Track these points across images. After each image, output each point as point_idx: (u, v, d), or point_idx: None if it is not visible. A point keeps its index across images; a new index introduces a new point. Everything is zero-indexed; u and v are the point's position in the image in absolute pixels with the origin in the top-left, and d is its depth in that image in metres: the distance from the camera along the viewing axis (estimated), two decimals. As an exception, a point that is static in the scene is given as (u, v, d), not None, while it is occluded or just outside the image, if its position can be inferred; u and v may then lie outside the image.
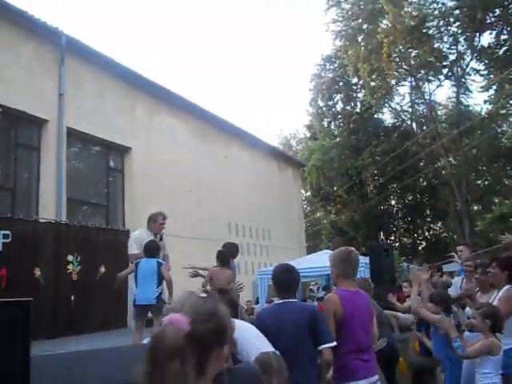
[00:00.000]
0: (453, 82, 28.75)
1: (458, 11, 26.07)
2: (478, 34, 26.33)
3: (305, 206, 34.00)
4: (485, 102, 27.70)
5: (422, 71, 28.43)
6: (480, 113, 28.76)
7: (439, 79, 28.88)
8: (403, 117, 32.34)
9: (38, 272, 8.51)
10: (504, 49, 25.76)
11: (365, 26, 28.93)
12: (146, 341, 4.88)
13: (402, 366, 5.33)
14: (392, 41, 25.96)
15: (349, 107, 32.91)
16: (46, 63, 10.30)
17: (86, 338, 8.17)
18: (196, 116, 14.83)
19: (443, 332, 4.41)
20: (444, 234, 34.36)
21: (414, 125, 31.41)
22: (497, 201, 29.08)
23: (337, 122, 33.59)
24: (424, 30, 26.66)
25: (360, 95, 32.56)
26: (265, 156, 19.11)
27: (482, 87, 27.07)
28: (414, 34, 26.13)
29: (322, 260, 11.33)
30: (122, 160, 12.39)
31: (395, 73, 28.73)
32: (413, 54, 28.20)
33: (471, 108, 29.48)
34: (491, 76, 26.56)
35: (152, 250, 5.56)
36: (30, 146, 10.28)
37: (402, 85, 30.95)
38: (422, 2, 27.16)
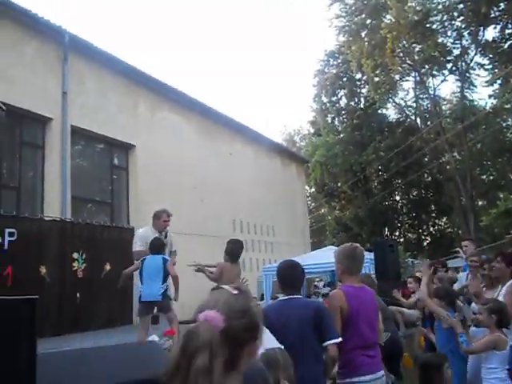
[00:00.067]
0: (457, 77, 28.63)
1: (461, 5, 25.89)
2: (482, 28, 26.16)
3: (309, 203, 33.99)
4: (489, 96, 27.61)
5: (426, 66, 28.30)
6: (485, 107, 28.64)
7: (443, 74, 28.76)
8: (407, 112, 32.24)
9: (43, 270, 8.54)
10: (509, 43, 25.56)
11: (368, 22, 28.81)
12: (150, 338, 4.90)
13: (407, 362, 5.33)
14: (396, 36, 25.83)
15: (352, 103, 32.82)
16: (50, 61, 10.32)
17: (91, 335, 8.20)
18: (199, 113, 14.82)
19: (447, 326, 4.41)
20: (449, 230, 34.29)
21: (419, 120, 31.29)
22: (502, 196, 29.01)
23: (341, 118, 33.50)
24: (428, 25, 26.52)
25: (364, 91, 32.48)
26: (269, 152, 19.10)
27: (486, 82, 26.97)
28: (418, 29, 25.99)
29: (326, 256, 11.33)
30: (126, 157, 12.41)
31: (399, 68, 28.62)
32: (417, 49, 28.06)
33: (476, 103, 29.35)
34: (496, 70, 26.41)
35: (157, 246, 5.58)
36: (35, 145, 10.31)
37: (406, 80, 30.83)
38: (425, -3, 27.04)
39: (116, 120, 11.72)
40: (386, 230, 32.90)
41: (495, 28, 26.04)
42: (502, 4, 25.12)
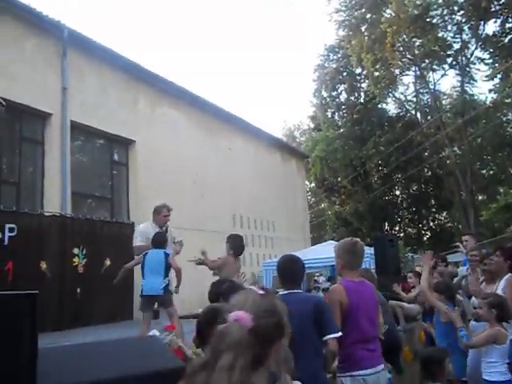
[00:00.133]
0: (457, 71, 28.58)
1: (462, -1, 25.86)
2: (482, 22, 26.10)
3: (309, 197, 33.99)
4: (490, 91, 27.56)
5: (426, 60, 28.25)
6: (485, 102, 28.60)
7: (443, 68, 28.73)
8: (407, 107, 32.20)
9: (43, 265, 8.56)
10: (509, 37, 25.53)
11: (368, 16, 28.74)
12: (151, 332, 4.90)
13: (407, 356, 5.34)
14: (396, 30, 25.77)
15: (353, 97, 32.78)
16: (49, 57, 10.28)
17: (91, 330, 8.22)
18: (199, 108, 14.79)
19: (446, 320, 4.42)
20: (449, 224, 34.32)
21: (419, 115, 31.27)
22: (502, 190, 29.04)
23: (340, 113, 33.46)
24: (428, 19, 26.46)
25: (364, 85, 32.42)
26: (268, 147, 19.06)
27: (486, 76, 26.91)
28: (418, 23, 25.92)
29: (326, 251, 11.36)
30: (126, 153, 12.39)
31: (399, 62, 28.55)
32: (417, 44, 28.00)
33: (476, 97, 29.32)
34: (496, 65, 26.37)
35: (159, 241, 5.60)
36: (35, 140, 10.29)
37: (406, 74, 30.80)
38: (425, -9, 26.95)
39: (116, 115, 11.70)
40: (386, 224, 32.92)
41: (495, 22, 26.03)
42: (502, -2, 25.06)
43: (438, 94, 30.01)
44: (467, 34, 27.11)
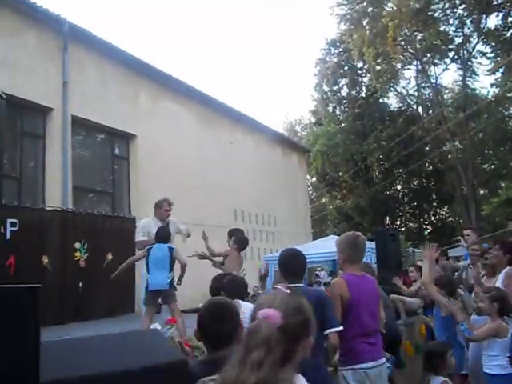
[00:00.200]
0: (459, 66, 28.47)
1: (464, -7, 25.72)
2: (484, 16, 25.96)
3: (310, 192, 33.96)
4: (491, 85, 27.46)
5: (428, 54, 28.14)
6: (486, 96, 28.52)
7: (445, 62, 28.61)
8: (409, 101, 32.11)
9: (45, 260, 8.58)
10: (511, 31, 25.41)
11: (370, 10, 28.60)
12: (153, 326, 4.92)
13: (408, 350, 5.35)
14: (397, 24, 25.66)
15: (354, 92, 32.69)
16: (50, 51, 10.26)
17: (92, 325, 8.24)
18: (200, 102, 14.77)
19: (446, 314, 4.43)
20: (450, 219, 34.31)
21: (420, 109, 31.19)
22: (503, 185, 29.02)
23: (342, 107, 33.38)
24: (429, 13, 26.33)
25: (365, 80, 32.35)
26: (270, 142, 19.05)
27: (488, 70, 26.79)
28: (420, 17, 25.81)
29: (327, 246, 11.35)
30: (127, 147, 12.39)
31: (401, 56, 28.45)
32: (418, 38, 27.89)
33: (478, 91, 29.24)
34: (498, 59, 26.25)
35: (163, 236, 5.61)
36: (36, 135, 10.29)
37: (408, 69, 30.70)
38: (427, -16, 26.79)
39: (117, 110, 11.68)
40: (388, 219, 32.91)
41: (498, 16, 25.88)
42: (504, -9, 24.93)
43: (439, 88, 29.92)
44: (469, 28, 27.00)
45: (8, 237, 7.76)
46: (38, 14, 9.96)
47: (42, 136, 10.24)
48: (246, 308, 2.78)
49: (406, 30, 27.18)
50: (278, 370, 1.29)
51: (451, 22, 27.06)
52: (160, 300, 5.66)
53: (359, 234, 3.56)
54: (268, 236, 17.76)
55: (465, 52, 27.63)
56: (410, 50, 28.69)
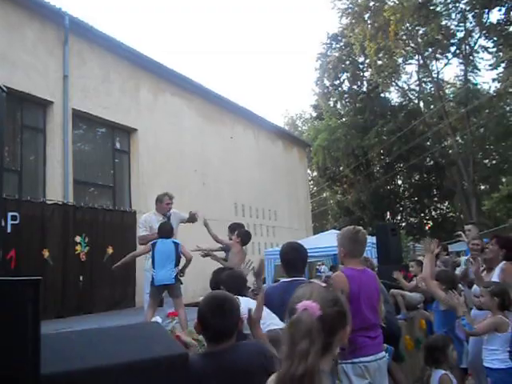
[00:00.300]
0: (461, 60, 28.39)
1: (466, -13, 25.60)
2: (486, 10, 25.84)
3: (311, 187, 33.96)
4: (493, 80, 27.47)
5: (430, 49, 28.06)
6: (488, 91, 28.47)
7: (447, 57, 28.55)
8: (410, 96, 32.04)
9: (46, 253, 8.60)
10: (513, 26, 25.32)
11: (371, 4, 28.48)
12: (154, 319, 4.93)
13: (408, 344, 5.37)
14: (399, 18, 25.58)
15: (355, 86, 32.61)
16: (50, 44, 10.23)
17: (94, 318, 8.27)
18: (201, 96, 14.75)
19: (445, 308, 4.44)
20: (451, 214, 34.30)
21: (421, 104, 31.13)
22: (504, 180, 28.96)
23: (343, 102, 33.30)
24: (431, 7, 26.24)
25: (367, 74, 32.25)
26: (270, 136, 19.03)
27: (490, 65, 26.72)
28: (422, 12, 25.71)
29: (328, 240, 11.35)
30: (127, 141, 12.37)
31: (402, 51, 28.36)
32: (420, 32, 27.79)
33: (479, 86, 29.17)
34: (500, 54, 26.17)
35: (166, 231, 5.61)
36: (36, 128, 10.27)
37: (409, 63, 30.59)
38: (429, -22, 26.67)
39: (118, 104, 11.66)
40: (388, 214, 32.91)
41: (500, 10, 25.82)
42: (507, -14, 24.80)
43: (441, 83, 29.83)
44: (471, 23, 26.88)
45: (9, 230, 7.76)
46: (39, 7, 9.93)
47: (42, 130, 10.22)
48: (242, 303, 2.78)
49: (407, 25, 27.09)
50: (320, 360, 1.32)
51: (453, 16, 26.97)
52: (166, 293, 5.68)
53: (360, 228, 3.55)
54: (268, 230, 17.77)
55: (467, 47, 27.52)
56: (412, 45, 28.59)
